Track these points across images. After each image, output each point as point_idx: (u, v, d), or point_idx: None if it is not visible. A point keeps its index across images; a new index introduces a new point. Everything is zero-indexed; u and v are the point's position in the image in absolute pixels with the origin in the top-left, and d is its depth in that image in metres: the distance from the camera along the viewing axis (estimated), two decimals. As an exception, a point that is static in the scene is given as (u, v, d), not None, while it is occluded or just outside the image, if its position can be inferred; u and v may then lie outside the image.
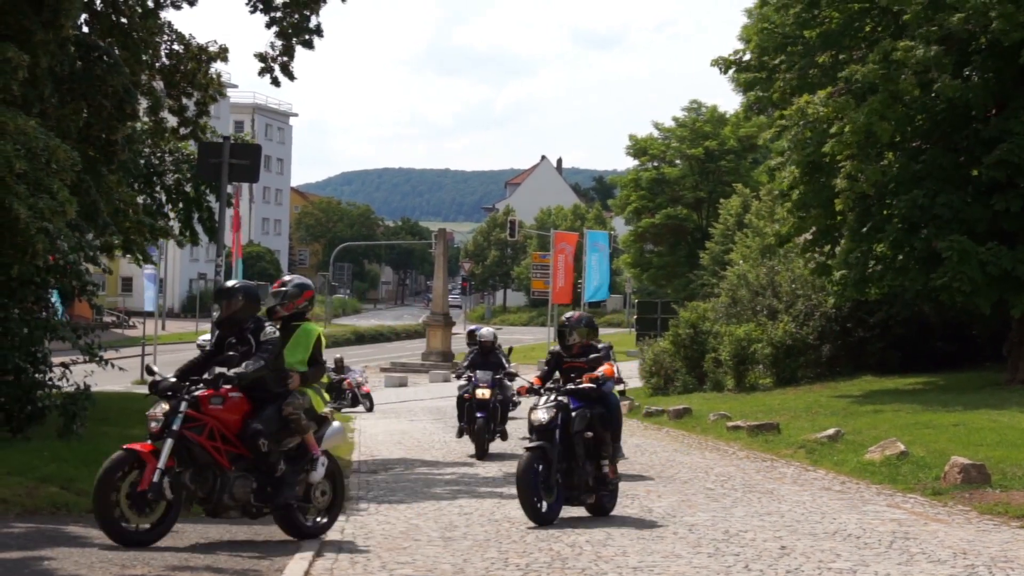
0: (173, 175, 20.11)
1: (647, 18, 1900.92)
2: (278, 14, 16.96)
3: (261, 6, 16.97)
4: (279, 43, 17.29)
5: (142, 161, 18.95)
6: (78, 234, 13.75)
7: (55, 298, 14.29)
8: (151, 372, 9.20)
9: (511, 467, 15.49)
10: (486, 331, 18.85)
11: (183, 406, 8.69)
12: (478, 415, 17.17)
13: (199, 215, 20.87)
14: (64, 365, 14.20)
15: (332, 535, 9.70)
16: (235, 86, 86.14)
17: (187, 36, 17.20)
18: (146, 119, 17.54)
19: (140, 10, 16.10)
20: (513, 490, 12.93)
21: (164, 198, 20.49)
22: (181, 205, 20.71)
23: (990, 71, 22.25)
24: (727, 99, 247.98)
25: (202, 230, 21.17)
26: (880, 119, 21.21)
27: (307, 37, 17.21)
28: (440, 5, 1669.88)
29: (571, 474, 10.62)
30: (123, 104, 15.18)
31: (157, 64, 17.02)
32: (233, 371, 8.82)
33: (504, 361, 18.08)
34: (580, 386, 10.90)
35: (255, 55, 17.46)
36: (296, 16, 17.04)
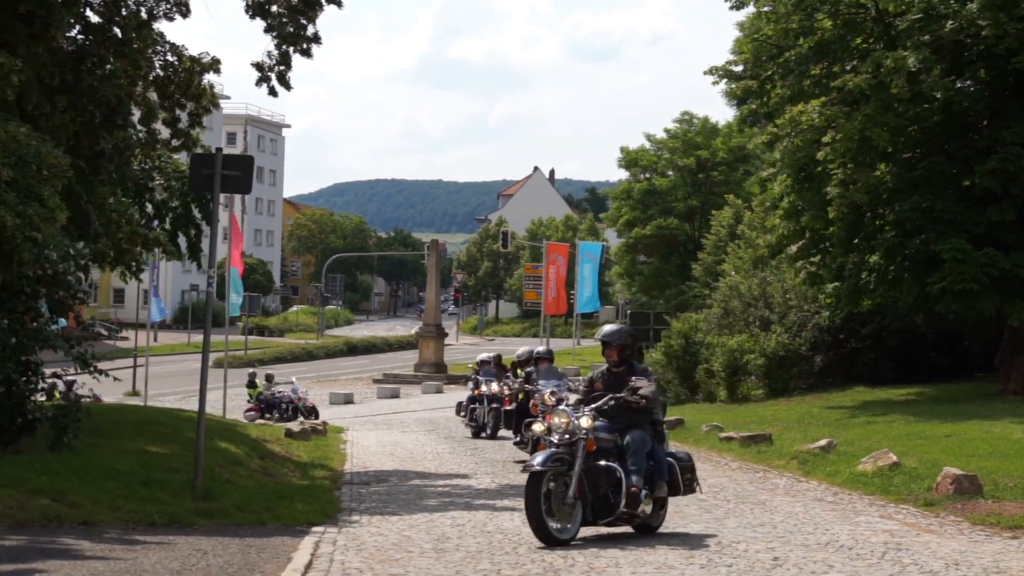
0: (163, 190, 20.06)
1: (643, 32, 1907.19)
2: (276, 21, 16.96)
3: (259, 13, 16.97)
4: (276, 52, 17.30)
5: (131, 180, 18.90)
6: (67, 242, 13.70)
7: (44, 308, 14.19)
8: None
9: (504, 479, 15.48)
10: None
11: None
12: None
13: (185, 232, 20.78)
14: (56, 375, 14.14)
15: (324, 547, 9.68)
16: (227, 97, 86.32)
17: (180, 47, 17.20)
18: (141, 129, 17.49)
19: (135, 22, 16.08)
20: (506, 501, 12.97)
21: (152, 212, 20.46)
22: (169, 222, 20.66)
23: (983, 81, 22.37)
24: (720, 111, 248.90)
25: (185, 246, 21.06)
26: (875, 125, 21.29)
27: (305, 46, 17.22)
28: (435, 18, 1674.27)
29: None
30: (114, 114, 15.16)
31: (151, 75, 17.00)
32: None
33: None
34: None
35: (252, 64, 17.44)
36: (293, 26, 17.04)
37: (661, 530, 10.80)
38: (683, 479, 11.00)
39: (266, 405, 32.83)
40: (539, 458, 10.12)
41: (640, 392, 10.62)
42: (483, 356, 23.48)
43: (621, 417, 10.67)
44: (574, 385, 17.13)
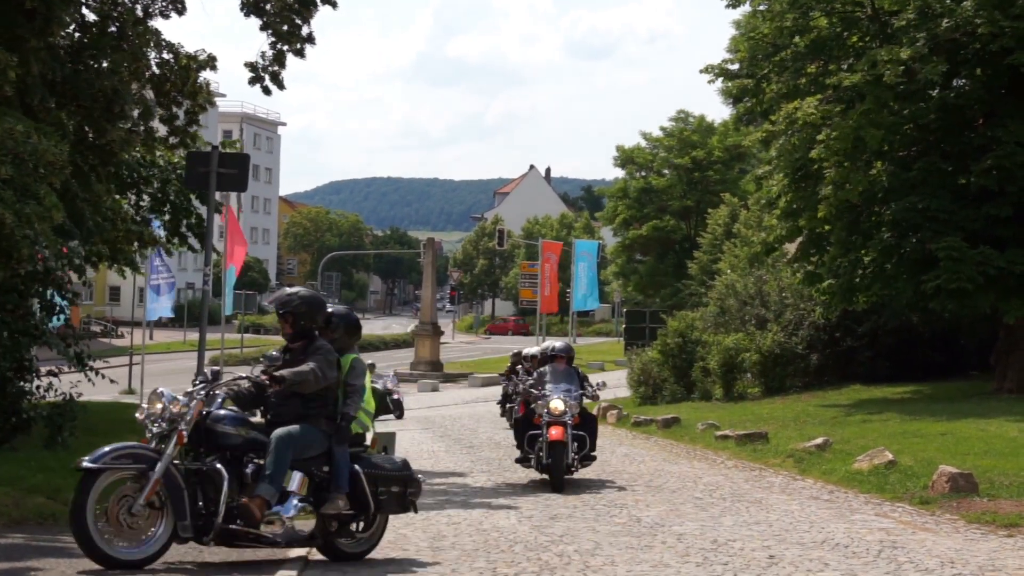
0: (159, 182, 20.10)
1: (640, 30, 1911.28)
2: (271, 19, 16.96)
3: (255, 11, 16.97)
4: (270, 52, 17.30)
5: (128, 172, 18.93)
6: (63, 241, 13.68)
7: (35, 306, 14.17)
8: None
9: (500, 477, 15.44)
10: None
11: None
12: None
13: (187, 222, 20.83)
14: (52, 373, 14.12)
15: (320, 545, 9.67)
16: (223, 95, 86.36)
17: (176, 45, 17.18)
18: (138, 124, 17.50)
19: (131, 19, 16.08)
20: (502, 500, 12.96)
21: (150, 205, 20.48)
22: (168, 214, 20.68)
23: (979, 79, 22.41)
24: (716, 109, 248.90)
25: (191, 236, 21.15)
26: (869, 124, 21.31)
27: (299, 46, 17.21)
28: (433, 16, 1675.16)
29: None
30: (111, 104, 15.16)
31: (147, 73, 16.98)
32: None
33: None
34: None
35: (246, 64, 17.45)
36: (287, 25, 17.04)
37: (657, 528, 10.72)
38: (379, 492, 8.90)
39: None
40: (98, 452, 7.98)
41: (279, 372, 8.57)
42: (532, 350, 20.22)
43: (285, 408, 8.69)
44: (591, 391, 14.92)
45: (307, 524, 8.84)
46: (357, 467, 8.82)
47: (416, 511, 9.45)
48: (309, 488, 8.61)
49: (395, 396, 30.77)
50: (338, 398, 8.91)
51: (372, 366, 33.96)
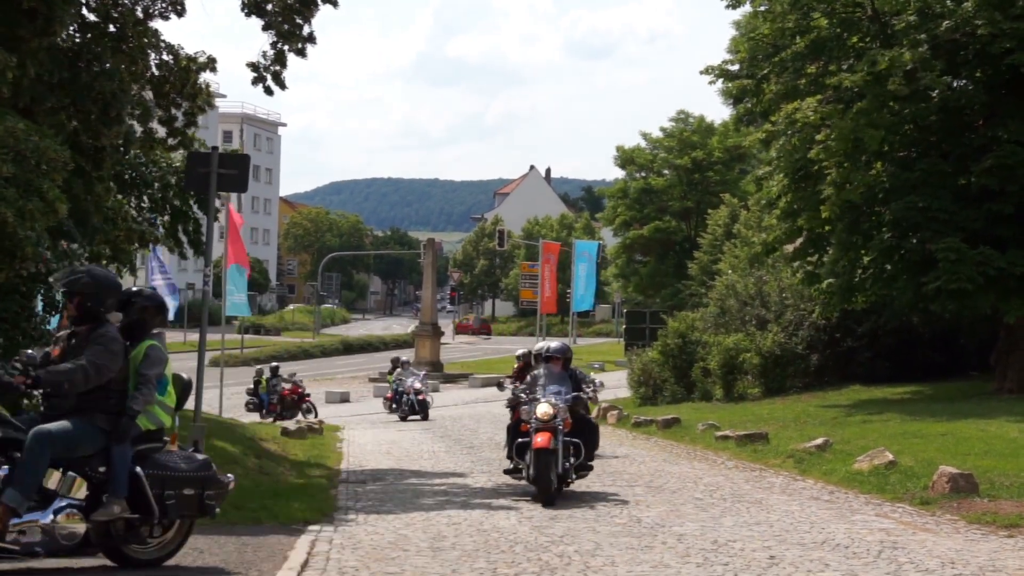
0: (159, 185, 20.09)
1: (640, 30, 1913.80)
2: (273, 19, 16.97)
3: (256, 11, 16.97)
4: (271, 52, 17.31)
5: (129, 172, 18.92)
6: (64, 242, 13.67)
7: (39, 307, 14.16)
8: None
9: (500, 478, 15.45)
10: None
11: None
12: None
13: (184, 227, 20.82)
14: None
15: (320, 546, 9.68)
16: (224, 96, 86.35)
17: (176, 46, 17.18)
18: (137, 127, 17.47)
19: (132, 20, 16.07)
20: (502, 500, 12.94)
21: (149, 207, 20.47)
22: (168, 216, 20.67)
23: (979, 80, 22.44)
24: (716, 110, 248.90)
25: (187, 242, 21.11)
26: (867, 126, 21.33)
27: (300, 45, 17.22)
28: (434, 16, 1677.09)
29: None
30: (108, 108, 15.15)
31: (147, 74, 16.98)
32: None
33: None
34: None
35: (247, 64, 17.45)
36: (288, 24, 17.04)
37: (658, 528, 10.70)
38: (166, 496, 7.99)
39: (395, 395, 30.59)
40: None
41: (38, 372, 7.74)
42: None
43: (60, 400, 7.87)
44: (588, 393, 13.73)
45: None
46: (139, 469, 7.92)
47: (214, 516, 8.48)
48: (87, 491, 7.79)
49: (420, 397, 30.81)
50: (128, 390, 8.08)
51: (407, 363, 33.51)
